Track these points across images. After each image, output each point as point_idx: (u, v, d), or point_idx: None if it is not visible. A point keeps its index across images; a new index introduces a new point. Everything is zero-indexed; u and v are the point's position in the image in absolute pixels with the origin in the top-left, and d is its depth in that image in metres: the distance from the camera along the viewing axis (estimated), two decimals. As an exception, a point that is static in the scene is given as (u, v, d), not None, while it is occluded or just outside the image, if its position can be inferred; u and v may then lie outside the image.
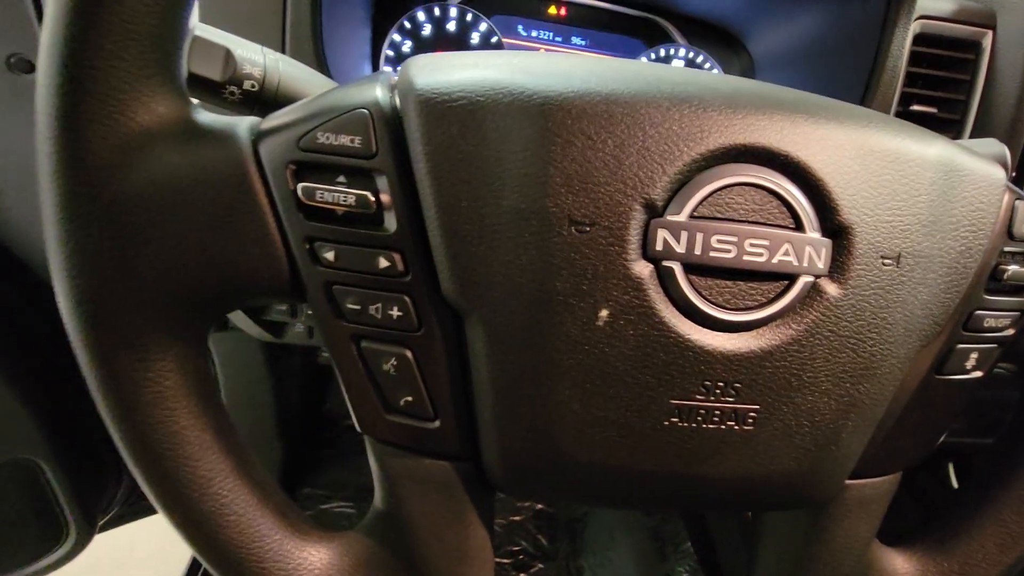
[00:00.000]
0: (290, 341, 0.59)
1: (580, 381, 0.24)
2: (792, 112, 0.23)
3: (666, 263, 0.23)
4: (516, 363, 0.24)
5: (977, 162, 0.26)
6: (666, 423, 0.24)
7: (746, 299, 0.23)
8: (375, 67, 0.66)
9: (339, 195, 0.23)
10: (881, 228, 0.23)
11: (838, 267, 0.24)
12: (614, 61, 0.26)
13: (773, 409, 0.24)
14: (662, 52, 0.70)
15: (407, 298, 0.24)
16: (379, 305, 0.24)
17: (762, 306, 0.23)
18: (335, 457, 1.14)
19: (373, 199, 0.23)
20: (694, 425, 0.24)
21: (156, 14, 0.21)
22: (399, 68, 0.25)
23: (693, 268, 0.23)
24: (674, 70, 0.25)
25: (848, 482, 0.29)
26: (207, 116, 0.24)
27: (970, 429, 0.60)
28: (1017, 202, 0.27)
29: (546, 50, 0.71)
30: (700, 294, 0.23)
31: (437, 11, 0.66)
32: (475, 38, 0.67)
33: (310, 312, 0.31)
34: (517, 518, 1.11)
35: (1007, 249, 0.27)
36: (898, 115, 0.53)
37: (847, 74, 0.55)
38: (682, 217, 0.22)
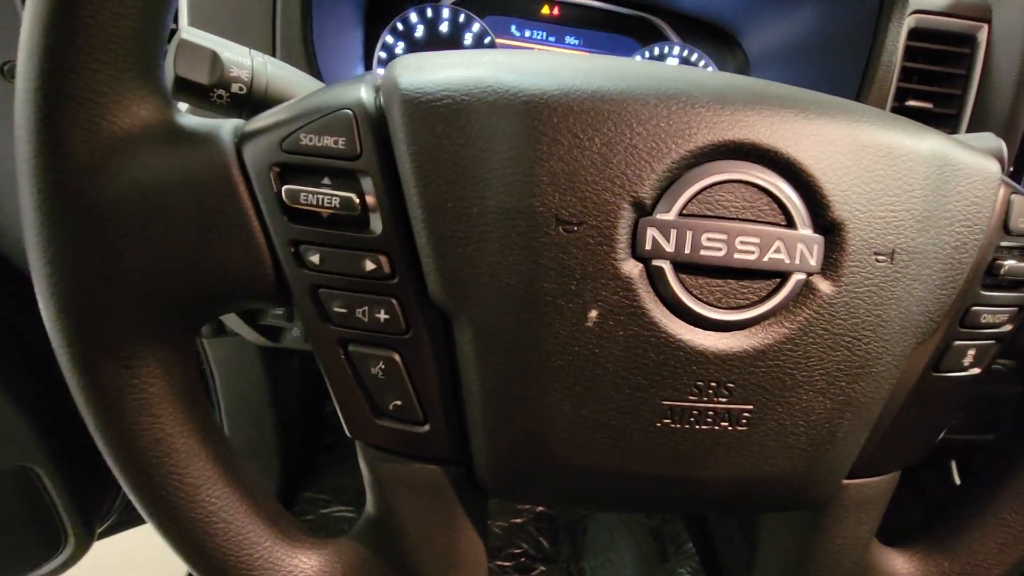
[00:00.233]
0: (287, 346, 0.59)
1: (570, 383, 0.23)
2: (782, 108, 0.23)
3: (656, 262, 0.22)
4: (505, 365, 0.23)
5: (971, 156, 0.25)
6: (659, 424, 0.24)
7: (738, 298, 0.23)
8: (368, 69, 0.65)
9: (323, 197, 0.23)
10: (874, 224, 0.23)
11: (831, 264, 0.23)
12: (601, 58, 0.25)
13: (767, 409, 0.24)
14: (656, 50, 0.70)
15: (394, 301, 0.24)
16: (366, 308, 0.24)
17: (754, 305, 0.23)
18: (335, 461, 1.13)
19: (358, 201, 0.23)
20: (687, 426, 0.24)
21: (135, 16, 0.21)
22: (384, 69, 0.25)
23: (683, 267, 0.23)
24: (662, 67, 0.25)
25: (846, 482, 0.28)
26: (190, 119, 0.24)
27: (971, 425, 0.59)
28: (1013, 196, 0.27)
29: (539, 50, 0.71)
30: (691, 293, 0.23)
31: (430, 12, 0.66)
32: (468, 39, 0.67)
33: None
34: (518, 520, 1.10)
35: (1003, 244, 0.27)
36: (894, 110, 0.53)
37: (842, 70, 0.54)
38: (671, 215, 0.22)
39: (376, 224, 0.23)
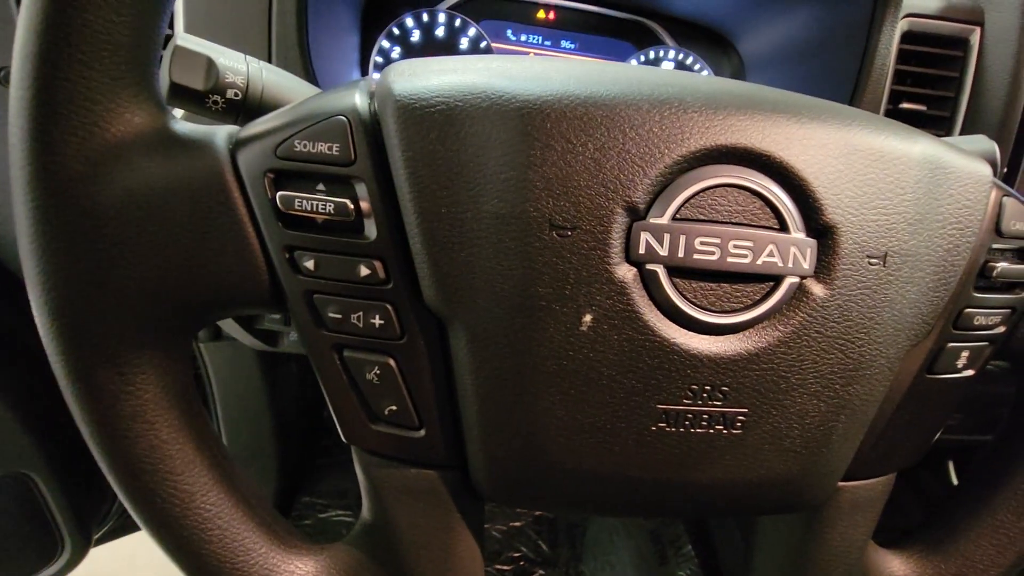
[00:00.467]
0: (284, 350, 0.59)
1: (565, 387, 0.23)
2: (774, 112, 0.23)
3: (649, 266, 0.22)
4: (500, 370, 0.24)
5: (963, 159, 0.25)
6: (653, 428, 0.24)
7: (731, 301, 0.23)
8: (364, 74, 0.65)
9: (318, 203, 0.23)
10: (866, 227, 0.23)
11: (824, 267, 0.23)
12: (594, 64, 0.25)
13: (762, 412, 0.24)
14: (652, 54, 0.70)
15: (389, 306, 0.24)
16: (360, 314, 0.24)
17: (748, 308, 0.23)
18: (334, 465, 1.13)
19: (352, 207, 0.23)
20: (682, 430, 0.24)
21: (129, 24, 0.21)
22: (379, 75, 0.25)
23: (677, 271, 0.23)
24: (655, 71, 0.25)
25: (841, 484, 0.28)
26: (184, 125, 0.24)
27: (968, 426, 0.60)
28: (1005, 199, 0.27)
29: (535, 54, 0.71)
30: (684, 297, 0.23)
31: (425, 17, 0.66)
32: (464, 43, 0.67)
33: None
34: (517, 524, 1.10)
35: (996, 246, 0.27)
36: (888, 113, 0.53)
37: (836, 73, 0.55)
38: (664, 220, 0.22)
39: (370, 230, 0.23)
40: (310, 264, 0.24)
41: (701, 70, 0.71)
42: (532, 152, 0.22)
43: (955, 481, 0.76)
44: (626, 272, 0.22)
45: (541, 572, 1.03)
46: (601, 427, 0.24)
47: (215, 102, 0.30)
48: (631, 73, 0.24)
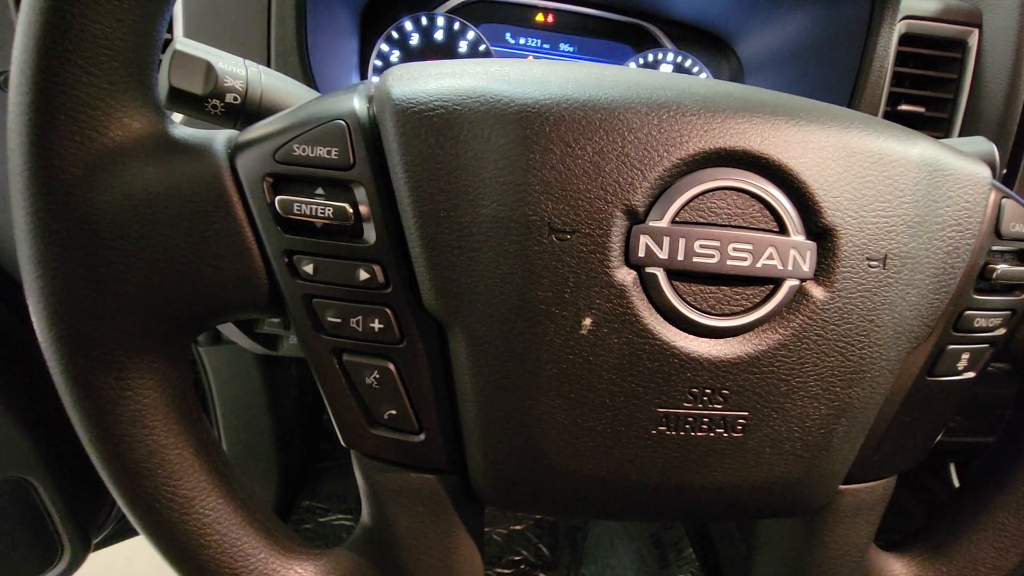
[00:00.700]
0: (284, 353, 0.58)
1: (565, 391, 0.23)
2: (772, 115, 0.23)
3: (649, 269, 0.22)
4: (500, 374, 0.23)
5: (962, 161, 0.25)
6: (654, 432, 0.24)
7: (731, 304, 0.23)
8: (363, 78, 0.66)
9: (317, 207, 0.23)
10: (866, 230, 0.23)
11: (823, 270, 0.23)
12: (593, 67, 0.25)
13: (762, 415, 0.24)
14: (650, 57, 0.70)
15: (388, 310, 0.24)
16: (360, 318, 0.24)
17: (748, 311, 0.23)
18: (334, 469, 1.13)
19: (351, 211, 0.23)
20: (682, 433, 0.24)
21: (128, 29, 0.21)
22: (377, 78, 0.25)
23: (676, 274, 0.23)
24: (653, 74, 0.25)
25: (842, 487, 0.28)
26: (183, 130, 0.24)
27: (969, 428, 0.59)
28: (1004, 200, 0.27)
29: (534, 57, 0.71)
30: (684, 300, 0.23)
31: (424, 20, 0.66)
32: (463, 47, 0.67)
33: None
34: (518, 527, 1.10)
35: (995, 248, 0.27)
36: (886, 115, 0.53)
37: (834, 75, 0.55)
38: (664, 223, 0.22)
39: (369, 234, 0.23)
40: (309, 268, 0.24)
41: (700, 72, 0.71)
42: (531, 156, 0.22)
43: (956, 483, 0.76)
44: (626, 275, 0.22)
45: (542, 575, 1.03)
46: (601, 431, 0.24)
47: (214, 106, 0.30)
48: (629, 76, 0.24)
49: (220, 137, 0.24)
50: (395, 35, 0.65)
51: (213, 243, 0.23)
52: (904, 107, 0.53)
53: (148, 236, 0.22)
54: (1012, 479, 0.31)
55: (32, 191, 0.21)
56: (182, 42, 0.29)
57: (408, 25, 0.66)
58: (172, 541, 0.25)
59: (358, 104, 0.23)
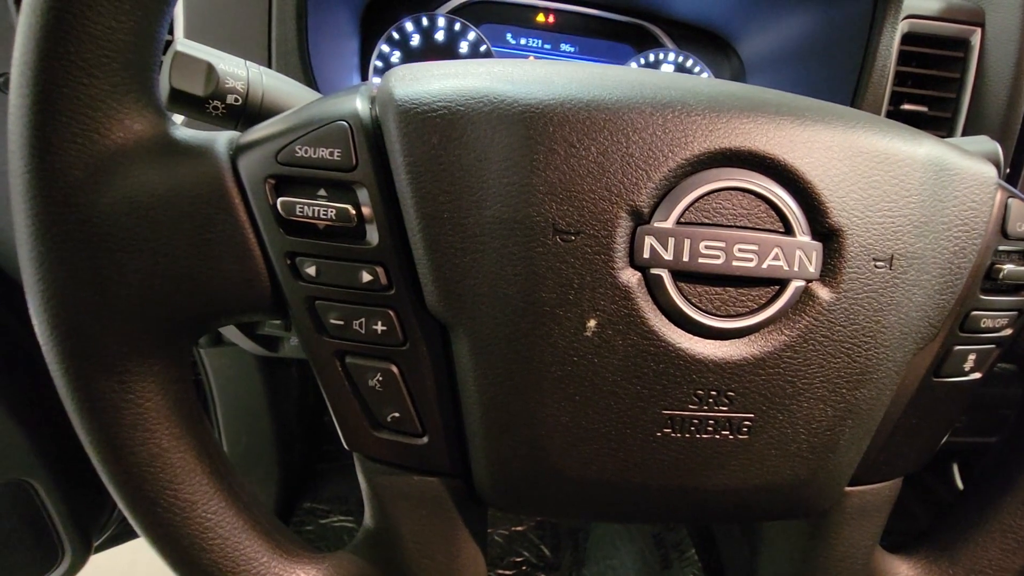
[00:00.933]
0: (285, 355, 0.58)
1: (569, 393, 0.23)
2: (778, 114, 0.23)
3: (654, 271, 0.22)
4: (504, 376, 0.23)
5: (968, 161, 0.25)
6: (659, 434, 0.24)
7: (737, 305, 0.23)
8: (364, 79, 0.65)
9: (319, 209, 0.23)
10: (872, 230, 0.23)
11: (829, 271, 0.23)
12: (596, 67, 0.25)
13: (768, 417, 0.24)
14: (651, 57, 0.70)
15: (391, 312, 0.24)
16: (363, 320, 0.24)
17: (753, 312, 0.23)
18: (335, 471, 1.13)
19: (354, 212, 0.23)
20: (688, 436, 0.24)
21: (129, 31, 0.21)
22: (379, 79, 0.25)
23: (682, 275, 0.22)
24: (657, 74, 0.25)
25: (848, 489, 0.28)
26: (185, 132, 0.24)
27: (974, 428, 0.59)
28: (1010, 200, 0.27)
29: (535, 58, 0.71)
30: (689, 301, 0.23)
31: (425, 21, 0.66)
32: (464, 47, 0.67)
33: None
34: (519, 528, 1.10)
35: (1002, 248, 0.26)
36: (889, 114, 0.53)
37: (837, 75, 0.55)
38: (669, 223, 0.22)
39: (372, 235, 0.23)
40: (312, 270, 0.23)
41: (701, 72, 0.71)
42: (535, 156, 0.21)
43: (960, 484, 0.76)
44: (630, 277, 0.22)
45: (543, 576, 1.02)
46: (606, 433, 0.24)
47: (215, 108, 0.30)
48: (633, 76, 0.24)
49: (222, 138, 0.24)
50: (396, 36, 0.65)
51: (215, 245, 0.23)
52: (907, 106, 0.53)
53: (149, 238, 0.22)
54: (1018, 480, 0.31)
55: (33, 193, 0.21)
56: (183, 43, 0.29)
57: (409, 26, 0.65)
58: (174, 545, 0.25)
59: (360, 105, 0.23)
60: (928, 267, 0.24)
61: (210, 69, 0.29)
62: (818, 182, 0.23)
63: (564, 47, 0.71)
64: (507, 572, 1.05)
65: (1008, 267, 0.26)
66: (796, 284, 0.23)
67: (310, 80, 0.49)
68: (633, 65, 0.71)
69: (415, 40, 0.66)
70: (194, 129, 0.25)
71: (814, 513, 0.28)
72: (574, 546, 1.08)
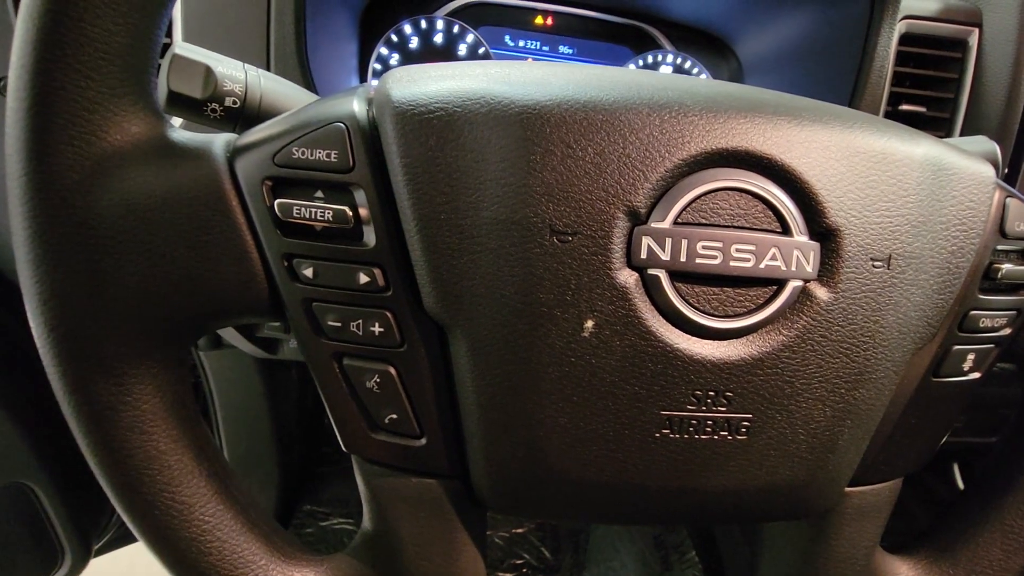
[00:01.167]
0: (284, 357, 0.58)
1: (567, 394, 0.23)
2: (775, 115, 0.23)
3: (651, 271, 0.22)
4: (501, 377, 0.23)
5: (966, 160, 0.25)
6: (657, 435, 0.24)
7: (734, 306, 0.23)
8: (363, 81, 0.66)
9: (316, 211, 0.23)
10: (870, 230, 0.23)
11: (827, 271, 0.23)
12: (594, 68, 0.25)
13: (767, 417, 0.24)
14: (650, 59, 0.70)
15: (388, 313, 0.24)
16: (360, 321, 0.24)
17: (751, 312, 0.23)
18: (335, 473, 1.13)
19: (351, 214, 0.23)
20: (686, 436, 0.24)
21: (127, 34, 0.21)
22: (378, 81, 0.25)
23: (679, 275, 0.22)
24: (654, 75, 0.25)
25: (848, 490, 0.28)
26: (182, 134, 0.24)
27: (974, 428, 0.59)
28: (1008, 199, 0.27)
29: (534, 59, 0.71)
30: (687, 302, 0.23)
31: (424, 23, 0.66)
32: (462, 49, 0.67)
33: None
34: (520, 530, 1.10)
35: (1000, 247, 0.26)
36: (887, 115, 0.53)
37: (835, 75, 0.55)
38: (666, 224, 0.22)
39: (369, 237, 0.23)
40: (309, 272, 0.23)
41: (699, 74, 0.71)
42: (532, 157, 0.21)
43: (960, 484, 0.76)
44: (628, 277, 0.22)
45: (544, 579, 1.02)
46: (604, 434, 0.24)
47: (213, 110, 0.30)
48: (631, 77, 0.24)
49: (219, 141, 0.24)
50: (394, 38, 0.65)
51: (212, 247, 0.23)
52: (905, 107, 0.53)
53: (147, 241, 0.22)
54: (1019, 480, 0.31)
55: (30, 196, 0.21)
56: (181, 46, 0.29)
57: (407, 28, 0.66)
58: (172, 548, 0.25)
59: (357, 107, 0.23)
60: (926, 267, 0.24)
61: (208, 72, 0.29)
62: (815, 182, 0.23)
63: (562, 49, 0.71)
64: (507, 575, 1.05)
65: (1007, 266, 0.26)
66: (794, 284, 0.23)
67: (308, 82, 0.49)
68: (631, 67, 0.71)
69: (414, 42, 0.66)
70: (192, 132, 0.25)
71: (814, 514, 0.28)
72: (575, 548, 1.08)
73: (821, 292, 0.23)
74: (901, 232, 0.23)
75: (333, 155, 0.23)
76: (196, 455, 0.25)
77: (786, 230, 0.23)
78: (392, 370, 0.25)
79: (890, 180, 0.23)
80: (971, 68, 0.53)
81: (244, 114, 0.30)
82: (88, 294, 0.22)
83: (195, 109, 0.30)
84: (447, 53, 0.67)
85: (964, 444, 0.64)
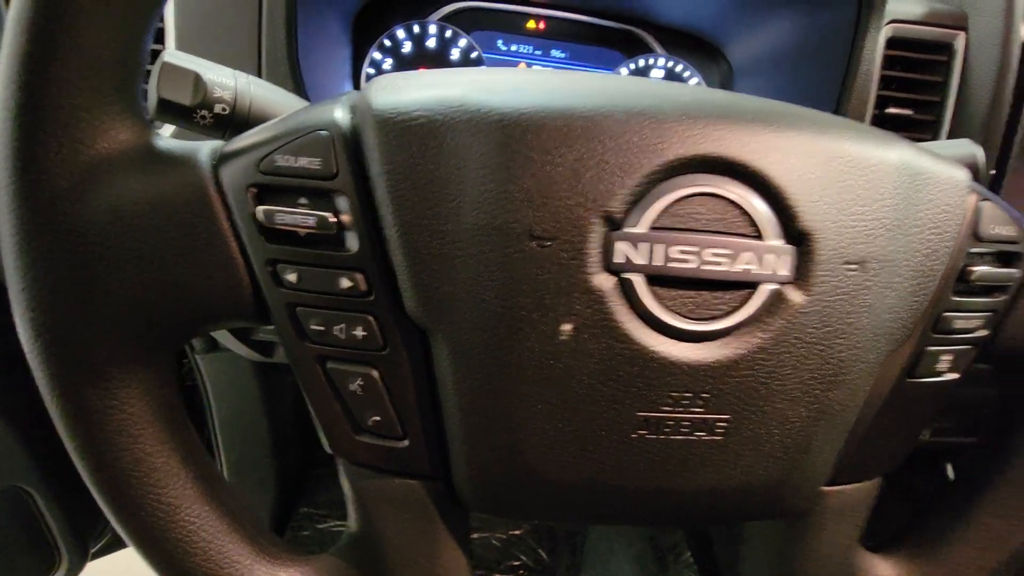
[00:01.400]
0: (280, 360, 0.59)
1: (546, 397, 0.23)
2: (751, 121, 0.23)
3: (628, 275, 0.23)
4: (482, 380, 0.24)
5: (940, 165, 0.26)
6: (634, 436, 0.24)
7: (710, 309, 0.23)
8: (356, 87, 0.66)
9: (300, 217, 0.23)
10: (844, 233, 0.23)
11: (802, 274, 0.24)
12: (574, 75, 0.26)
13: (743, 418, 0.24)
14: (641, 63, 0.71)
15: (371, 318, 0.24)
16: (343, 326, 0.24)
17: (726, 315, 0.23)
18: (331, 475, 1.12)
19: (334, 220, 0.23)
20: (662, 437, 0.24)
21: (114, 40, 0.22)
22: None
23: (655, 279, 0.23)
24: (634, 82, 0.26)
25: (825, 489, 0.28)
26: (168, 142, 0.24)
27: (965, 429, 0.59)
28: (982, 203, 0.27)
29: (527, 64, 0.72)
30: (663, 305, 0.23)
31: (416, 28, 0.66)
32: (455, 54, 0.68)
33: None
34: (517, 532, 1.10)
35: (974, 250, 0.27)
36: (875, 118, 0.54)
37: (822, 79, 0.55)
38: (642, 229, 0.22)
39: (352, 243, 0.24)
40: (292, 277, 0.24)
41: (691, 78, 0.72)
42: (511, 164, 0.22)
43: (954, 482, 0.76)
44: (605, 281, 0.23)
45: (540, 580, 1.02)
46: (582, 435, 0.24)
47: (203, 117, 0.30)
48: (610, 84, 0.24)
49: (205, 148, 0.25)
50: (387, 43, 0.66)
51: (198, 254, 0.23)
52: (892, 110, 0.53)
53: (133, 248, 0.23)
54: (995, 479, 0.31)
55: (17, 203, 0.22)
56: (171, 54, 0.30)
57: (400, 33, 0.66)
58: (158, 548, 0.25)
59: (341, 114, 0.24)
60: (900, 270, 0.25)
61: (197, 79, 0.30)
62: (789, 187, 0.23)
63: (555, 53, 0.71)
64: (504, 576, 1.05)
65: (980, 269, 0.27)
66: (768, 287, 0.23)
67: (300, 88, 0.50)
68: (623, 71, 0.72)
69: (407, 47, 0.67)
70: (182, 139, 0.25)
71: (791, 513, 0.29)
72: (572, 550, 1.08)
73: (796, 295, 0.24)
74: (875, 236, 0.24)
75: (316, 162, 0.23)
76: (183, 458, 0.25)
77: (760, 234, 0.23)
78: (375, 373, 0.25)
79: (864, 184, 0.24)
80: (958, 71, 0.53)
81: (234, 121, 0.30)
82: (75, 300, 0.22)
83: (185, 116, 0.30)
84: (440, 58, 0.68)
85: (957, 444, 0.64)
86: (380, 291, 0.24)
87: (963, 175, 0.26)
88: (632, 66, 0.71)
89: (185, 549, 0.25)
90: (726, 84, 0.71)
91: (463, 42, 0.67)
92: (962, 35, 0.53)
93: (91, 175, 0.22)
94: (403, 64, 0.67)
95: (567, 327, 0.23)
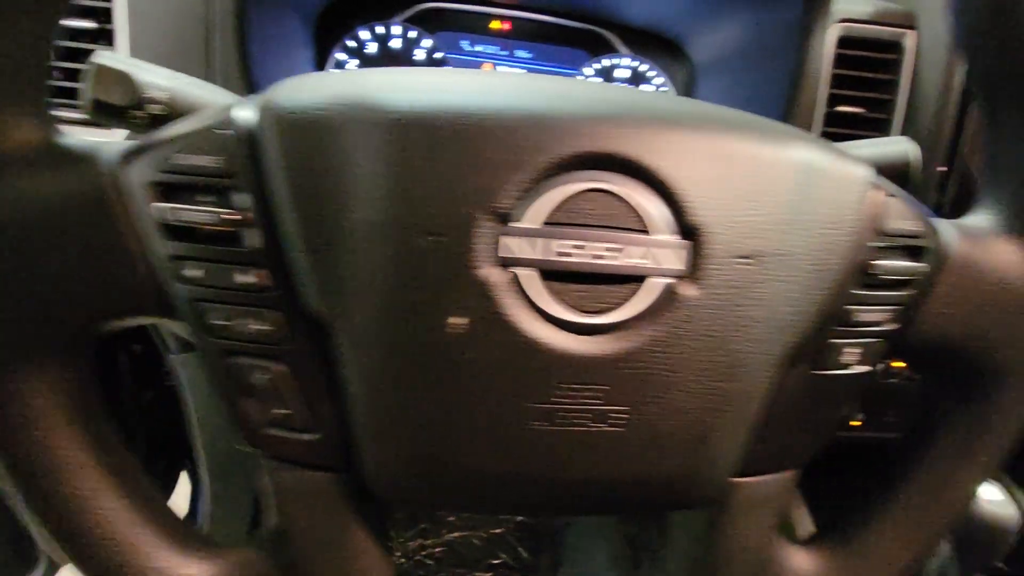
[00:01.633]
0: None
1: (443, 388, 0.24)
2: (644, 119, 0.24)
3: (517, 269, 0.23)
4: (380, 372, 0.24)
5: (839, 162, 0.26)
6: (531, 427, 0.24)
7: (600, 302, 0.24)
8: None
9: (199, 214, 0.24)
10: (736, 228, 0.24)
11: (695, 268, 0.24)
12: (478, 75, 0.26)
13: (640, 410, 0.25)
14: (605, 63, 0.71)
15: (274, 312, 0.25)
16: (247, 320, 0.25)
17: (616, 308, 0.24)
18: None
19: (234, 217, 0.24)
20: (559, 428, 0.24)
21: (10, 44, 0.22)
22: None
23: (546, 274, 0.23)
24: (533, 80, 0.26)
25: (735, 481, 0.29)
26: (70, 140, 0.25)
27: (899, 423, 0.60)
28: (887, 198, 0.27)
29: (493, 64, 0.72)
30: (554, 299, 0.23)
31: (381, 29, 0.67)
32: (419, 55, 0.68)
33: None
34: (498, 531, 1.10)
35: (878, 245, 0.27)
36: (826, 116, 0.54)
37: (775, 77, 0.56)
38: (532, 224, 0.23)
39: (253, 239, 0.24)
40: (194, 273, 0.24)
41: (656, 77, 0.72)
42: (404, 161, 0.22)
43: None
44: (494, 275, 0.23)
45: (519, 579, 1.03)
46: (479, 426, 0.24)
47: (140, 117, 0.31)
48: (507, 83, 0.25)
49: (109, 146, 0.25)
50: (351, 44, 0.67)
51: (96, 253, 0.24)
52: (843, 108, 0.54)
53: (29, 247, 0.23)
54: (911, 474, 0.31)
55: None
56: (103, 55, 0.30)
57: (364, 34, 0.67)
58: (71, 540, 0.25)
59: (244, 113, 0.24)
60: (796, 264, 0.25)
61: (129, 79, 0.30)
62: (680, 182, 0.23)
63: (519, 53, 0.72)
64: (485, 575, 1.05)
65: (883, 263, 0.27)
66: (658, 280, 0.24)
67: (253, 90, 0.51)
68: (588, 70, 0.72)
69: (371, 48, 0.67)
70: (80, 137, 0.25)
71: (699, 504, 0.29)
72: (553, 548, 1.08)
73: (688, 288, 0.24)
74: (769, 231, 0.24)
75: (215, 160, 0.24)
76: (94, 451, 0.26)
77: (650, 229, 0.23)
78: (281, 366, 0.25)
79: (759, 181, 0.24)
80: (908, 69, 0.54)
81: (172, 121, 0.31)
82: None
83: (119, 116, 0.31)
84: (404, 58, 0.68)
85: (871, 439, 0.64)
86: (282, 286, 0.24)
87: (864, 172, 0.27)
88: (596, 66, 0.72)
89: (99, 540, 0.25)
90: (690, 83, 0.71)
91: (427, 43, 0.68)
92: (912, 34, 0.53)
93: None
94: (368, 65, 0.67)
95: (462, 320, 0.23)
